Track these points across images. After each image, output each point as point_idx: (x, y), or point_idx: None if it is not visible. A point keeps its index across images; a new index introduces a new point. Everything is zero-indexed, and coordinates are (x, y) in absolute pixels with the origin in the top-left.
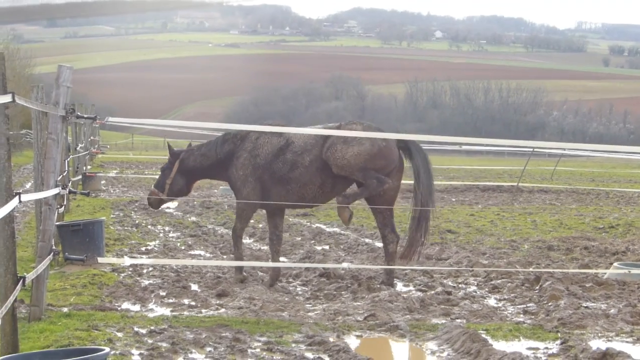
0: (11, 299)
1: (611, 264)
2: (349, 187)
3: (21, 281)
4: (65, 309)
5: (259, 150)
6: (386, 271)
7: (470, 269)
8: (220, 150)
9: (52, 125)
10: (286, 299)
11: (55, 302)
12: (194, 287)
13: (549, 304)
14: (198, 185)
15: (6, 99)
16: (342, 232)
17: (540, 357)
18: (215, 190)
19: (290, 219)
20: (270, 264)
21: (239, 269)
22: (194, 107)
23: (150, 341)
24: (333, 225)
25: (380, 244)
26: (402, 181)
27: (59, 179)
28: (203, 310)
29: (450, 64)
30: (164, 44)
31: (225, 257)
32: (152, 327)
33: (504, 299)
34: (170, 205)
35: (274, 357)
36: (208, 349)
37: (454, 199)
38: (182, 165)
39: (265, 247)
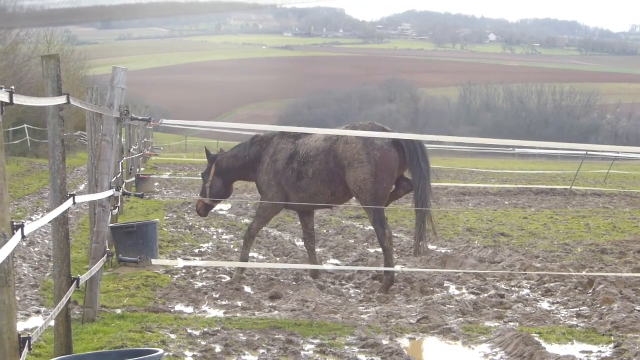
0: (64, 300)
1: None
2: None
3: (75, 282)
4: (118, 311)
5: (278, 155)
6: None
7: (523, 272)
8: (248, 152)
9: (106, 126)
10: (339, 301)
11: (108, 304)
12: (247, 289)
13: (602, 307)
14: (251, 187)
15: (61, 100)
16: (395, 234)
17: None
18: None
19: (343, 222)
20: (309, 266)
21: (241, 268)
22: (248, 109)
23: (203, 343)
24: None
25: (432, 247)
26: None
27: (112, 180)
28: (256, 312)
29: (503, 67)
30: (218, 45)
31: (278, 259)
32: (205, 329)
33: (557, 302)
34: (223, 207)
35: None
36: (261, 350)
37: (507, 202)
38: (217, 167)
39: (318, 249)
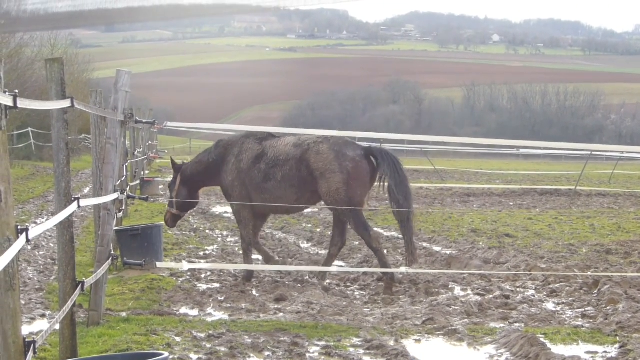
0: (70, 303)
1: None
2: None
3: (80, 286)
4: (123, 314)
5: (243, 155)
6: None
7: (529, 273)
8: (212, 155)
9: (110, 130)
10: (344, 303)
11: (113, 307)
12: (252, 291)
13: (608, 307)
14: None
15: (65, 103)
16: (400, 236)
17: None
18: None
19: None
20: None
21: (249, 277)
22: (252, 111)
23: (208, 346)
24: (391, 229)
25: (437, 248)
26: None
27: (117, 183)
28: (261, 315)
29: (507, 68)
30: (222, 48)
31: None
32: (210, 332)
33: (563, 303)
34: (228, 210)
35: None
36: (266, 353)
37: (511, 203)
38: (183, 176)
39: (323, 252)
